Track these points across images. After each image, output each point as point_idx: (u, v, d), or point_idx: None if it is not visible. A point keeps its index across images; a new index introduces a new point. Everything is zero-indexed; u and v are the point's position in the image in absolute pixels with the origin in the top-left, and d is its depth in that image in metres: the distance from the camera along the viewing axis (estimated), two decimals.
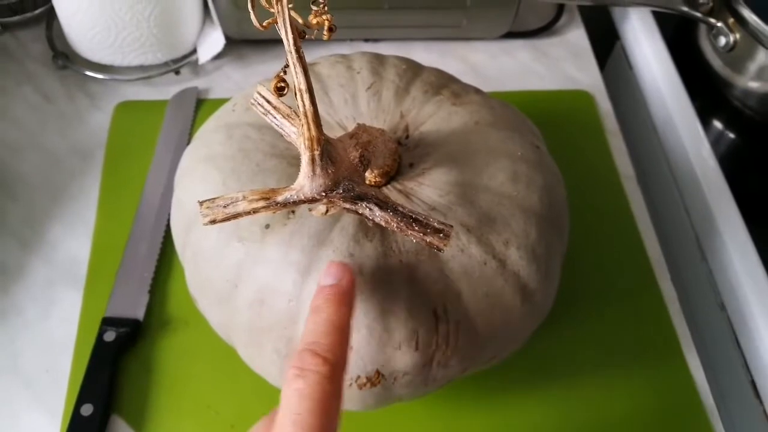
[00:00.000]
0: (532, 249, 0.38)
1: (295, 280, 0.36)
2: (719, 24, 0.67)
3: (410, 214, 0.33)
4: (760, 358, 0.53)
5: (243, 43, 0.69)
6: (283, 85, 0.33)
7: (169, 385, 0.48)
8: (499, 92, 0.67)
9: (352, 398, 0.38)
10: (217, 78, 0.67)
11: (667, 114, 0.68)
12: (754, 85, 0.68)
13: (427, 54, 0.71)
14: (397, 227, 0.32)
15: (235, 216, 0.32)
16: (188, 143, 0.60)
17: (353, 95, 0.43)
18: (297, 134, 0.32)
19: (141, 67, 0.65)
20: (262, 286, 0.37)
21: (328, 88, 0.43)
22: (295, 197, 0.32)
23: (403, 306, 0.36)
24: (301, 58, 0.31)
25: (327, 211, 0.34)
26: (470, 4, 0.66)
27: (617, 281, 0.56)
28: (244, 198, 0.32)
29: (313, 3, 0.32)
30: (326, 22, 0.32)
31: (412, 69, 0.45)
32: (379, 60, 0.45)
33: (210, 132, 0.43)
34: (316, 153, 0.31)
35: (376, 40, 0.71)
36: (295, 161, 0.39)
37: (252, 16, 0.30)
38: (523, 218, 0.39)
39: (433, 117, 0.42)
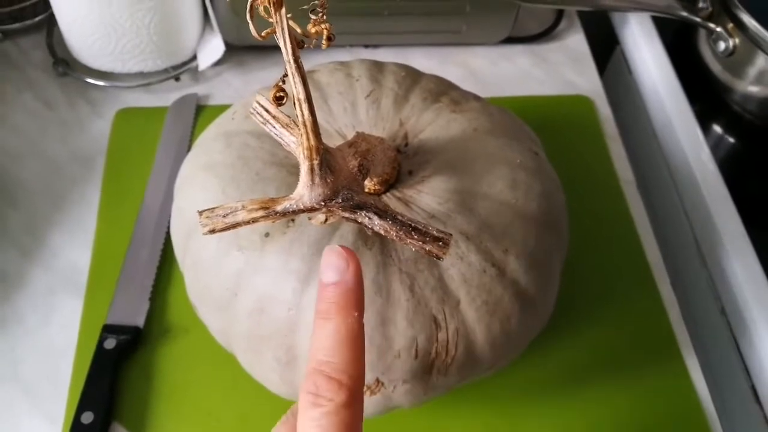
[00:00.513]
0: (531, 256, 0.38)
1: (294, 288, 0.36)
2: (718, 29, 0.67)
3: (409, 222, 0.33)
4: (761, 363, 0.53)
5: (243, 49, 0.69)
6: (281, 94, 0.33)
7: (170, 392, 0.49)
8: (498, 98, 0.67)
9: None
10: (217, 84, 0.67)
11: (667, 118, 0.68)
12: (753, 89, 0.68)
13: (427, 60, 0.71)
14: (396, 236, 0.33)
15: (234, 226, 0.32)
16: (188, 149, 0.60)
17: (352, 103, 0.43)
18: (296, 144, 0.32)
19: (141, 74, 0.65)
20: (261, 295, 0.37)
21: (327, 96, 0.43)
22: (294, 207, 0.32)
23: (403, 314, 0.36)
24: (299, 68, 0.31)
25: (326, 220, 0.34)
26: (470, 10, 0.66)
27: (617, 286, 0.56)
28: (243, 208, 0.32)
29: (311, 12, 0.32)
30: (325, 31, 0.32)
31: (411, 76, 0.45)
32: (378, 67, 0.45)
33: (210, 140, 0.43)
34: (315, 162, 0.31)
35: (375, 46, 0.71)
36: (294, 169, 0.40)
37: (251, 26, 0.30)
38: (522, 226, 0.39)
39: (432, 124, 0.42)
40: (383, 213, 0.33)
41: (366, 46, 0.71)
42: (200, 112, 0.64)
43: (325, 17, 0.32)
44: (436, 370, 0.37)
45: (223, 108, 0.62)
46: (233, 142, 0.41)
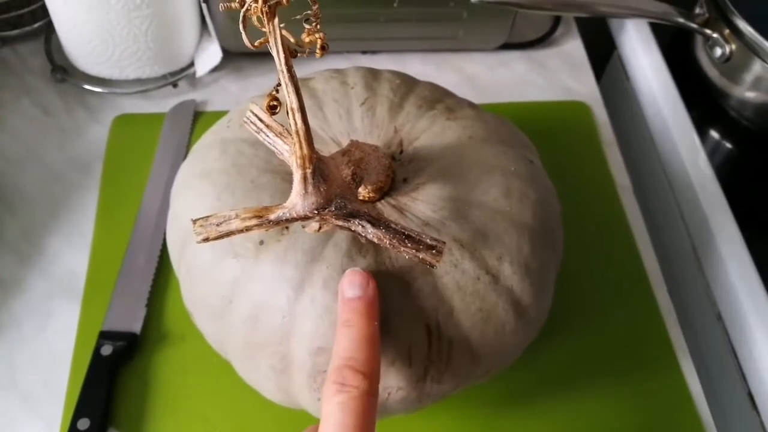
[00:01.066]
0: (525, 264, 0.38)
1: (288, 296, 0.36)
2: (715, 35, 0.68)
3: (403, 230, 0.33)
4: (757, 369, 0.53)
5: (240, 55, 0.69)
6: (275, 103, 0.33)
7: (166, 398, 0.49)
8: (495, 103, 0.67)
9: None
10: (215, 91, 0.67)
11: (664, 124, 0.68)
12: (750, 95, 0.68)
13: (424, 66, 0.71)
14: (389, 244, 0.33)
15: (228, 234, 0.32)
16: (186, 156, 0.60)
17: (347, 110, 0.43)
18: (289, 152, 0.33)
19: (139, 81, 0.65)
20: (256, 303, 0.37)
21: (322, 104, 0.43)
22: (288, 215, 0.32)
23: (397, 322, 0.36)
24: (292, 78, 0.31)
25: (320, 228, 0.34)
26: (466, 16, 0.66)
27: (613, 292, 0.56)
28: (237, 216, 0.32)
29: (305, 22, 0.32)
30: (319, 41, 0.32)
31: (406, 84, 0.45)
32: (373, 75, 0.45)
33: (205, 147, 0.43)
34: (308, 171, 0.31)
35: (372, 52, 0.72)
36: (288, 177, 0.40)
37: (243, 36, 0.30)
38: (516, 233, 0.39)
39: (426, 132, 0.42)
40: (376, 221, 0.33)
41: (363, 53, 0.71)
42: (198, 119, 0.64)
43: (318, 26, 0.32)
44: (430, 377, 0.37)
45: (220, 114, 0.62)
46: (228, 149, 0.41)
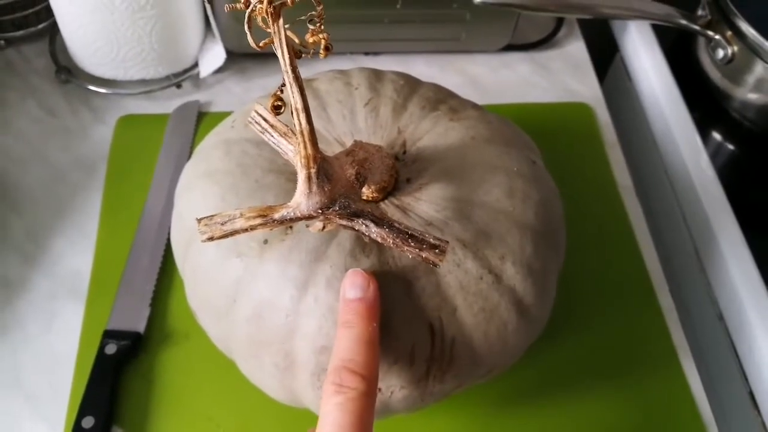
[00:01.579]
0: (527, 264, 0.39)
1: (292, 295, 0.37)
2: (717, 37, 0.68)
3: (406, 230, 0.33)
4: (758, 369, 0.53)
5: (244, 56, 0.69)
6: (279, 103, 0.33)
7: (170, 397, 0.49)
8: (498, 105, 0.67)
9: None
10: (219, 91, 0.68)
11: (666, 126, 0.68)
12: (752, 97, 0.69)
13: (427, 67, 0.71)
14: (393, 243, 0.33)
15: (233, 233, 0.32)
16: (189, 156, 0.60)
17: (351, 111, 0.43)
18: (294, 152, 0.33)
19: (143, 81, 0.66)
20: (260, 302, 0.37)
21: (326, 104, 0.43)
22: (292, 214, 0.32)
23: (400, 321, 0.36)
24: (297, 78, 0.31)
25: (324, 227, 0.34)
26: (470, 18, 0.67)
27: (615, 292, 0.56)
28: (242, 215, 0.32)
29: (309, 22, 0.32)
30: (323, 41, 0.32)
31: (410, 85, 0.46)
32: (376, 76, 0.46)
33: (210, 148, 0.43)
34: (313, 171, 0.31)
35: (376, 54, 0.72)
36: (293, 177, 0.40)
37: (249, 37, 0.31)
38: (519, 233, 0.39)
39: (430, 132, 0.43)
40: (380, 221, 0.33)
41: (366, 54, 0.72)
42: (201, 119, 0.65)
43: (322, 27, 0.32)
44: (432, 376, 0.38)
45: (224, 115, 0.62)
46: (233, 149, 0.42)
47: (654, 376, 0.52)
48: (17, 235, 0.56)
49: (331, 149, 0.41)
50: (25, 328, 0.52)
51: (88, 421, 0.46)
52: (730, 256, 0.58)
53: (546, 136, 0.59)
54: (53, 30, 0.68)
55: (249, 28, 0.31)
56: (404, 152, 0.42)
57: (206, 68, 0.66)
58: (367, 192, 0.39)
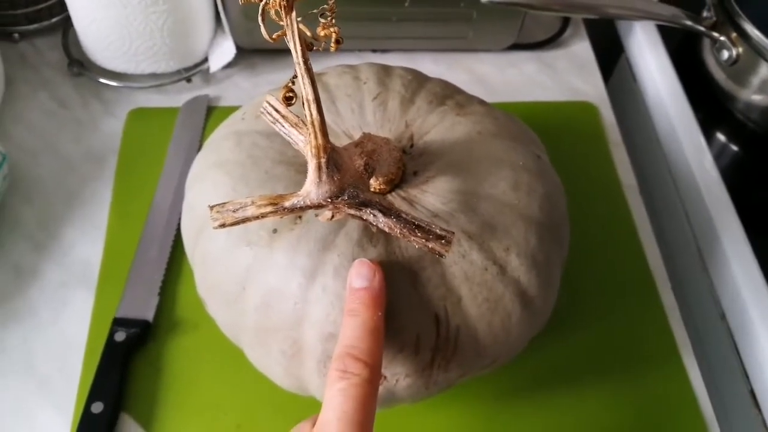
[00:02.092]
0: (532, 256, 0.39)
1: (300, 283, 0.37)
2: (722, 38, 0.68)
3: (413, 220, 0.34)
4: (760, 368, 0.54)
5: (253, 52, 0.70)
6: (291, 95, 0.34)
7: (178, 384, 0.50)
8: (504, 103, 0.68)
9: None
10: (228, 86, 0.68)
11: (671, 126, 0.69)
12: (756, 98, 0.69)
13: (434, 65, 0.72)
14: (400, 233, 0.34)
15: (244, 220, 0.33)
16: (199, 149, 0.61)
17: (360, 105, 0.44)
18: (304, 142, 0.34)
19: (153, 75, 0.67)
20: (269, 289, 0.38)
21: (335, 98, 0.44)
22: (302, 203, 0.33)
23: (405, 310, 0.37)
24: (308, 69, 0.32)
25: (332, 216, 0.35)
26: (476, 17, 0.67)
27: (618, 290, 0.56)
28: (253, 203, 0.33)
29: (321, 16, 0.33)
30: (333, 35, 0.33)
31: (418, 80, 0.46)
32: (385, 71, 0.46)
33: (220, 139, 0.44)
34: (323, 160, 0.32)
35: (383, 51, 0.73)
36: (302, 168, 0.41)
37: (262, 29, 0.31)
38: (524, 226, 0.40)
39: (437, 126, 0.43)
40: (388, 211, 0.34)
41: (374, 51, 0.72)
42: (211, 113, 0.65)
43: (333, 21, 0.33)
44: (437, 365, 0.38)
45: (233, 109, 0.63)
46: (243, 141, 0.42)
47: (656, 374, 0.53)
48: (29, 225, 0.57)
49: (339, 142, 0.42)
50: (36, 315, 0.53)
51: (97, 407, 0.47)
52: (733, 255, 0.58)
53: (551, 134, 0.60)
54: (66, 24, 0.69)
55: (262, 20, 0.31)
56: (411, 146, 0.43)
57: (216, 63, 0.67)
58: (374, 184, 0.40)
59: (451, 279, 0.38)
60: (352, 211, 0.34)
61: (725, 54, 0.69)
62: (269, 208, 0.33)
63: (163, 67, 0.66)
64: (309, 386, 0.40)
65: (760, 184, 0.70)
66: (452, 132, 0.43)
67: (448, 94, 0.46)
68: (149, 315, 0.52)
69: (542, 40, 0.75)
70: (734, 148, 0.72)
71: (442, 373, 0.39)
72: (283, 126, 0.35)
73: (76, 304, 0.53)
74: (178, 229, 0.55)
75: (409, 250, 0.38)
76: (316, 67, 0.34)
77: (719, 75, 0.71)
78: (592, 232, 0.59)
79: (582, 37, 0.77)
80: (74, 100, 0.66)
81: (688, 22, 0.69)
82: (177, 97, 0.67)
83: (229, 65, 0.68)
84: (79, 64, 0.67)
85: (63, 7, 0.67)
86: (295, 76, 0.33)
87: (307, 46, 0.32)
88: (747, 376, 0.55)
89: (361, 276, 0.36)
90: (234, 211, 0.33)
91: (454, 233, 0.34)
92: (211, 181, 0.42)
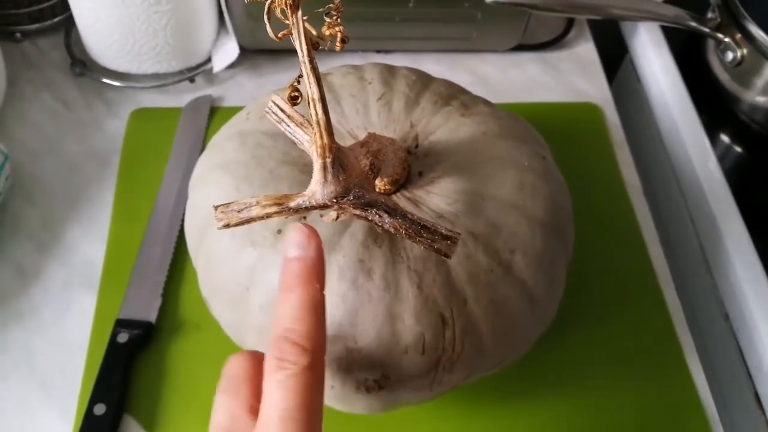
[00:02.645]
0: (537, 257, 0.39)
1: None
2: (727, 39, 0.68)
3: (418, 221, 0.34)
4: (764, 369, 0.54)
5: (257, 52, 0.70)
6: (296, 94, 0.34)
7: (181, 386, 0.49)
8: (508, 104, 0.68)
9: (358, 401, 0.39)
10: (231, 86, 0.68)
11: (675, 127, 0.68)
12: (761, 99, 0.69)
13: (438, 65, 0.72)
14: (405, 234, 0.33)
15: (249, 220, 0.33)
16: (202, 150, 0.61)
17: (364, 105, 0.44)
18: (309, 142, 0.33)
19: (157, 75, 0.66)
20: (273, 290, 0.38)
21: (340, 98, 0.44)
22: (307, 203, 0.33)
23: (411, 311, 0.37)
24: (314, 69, 0.32)
25: (338, 217, 0.35)
26: (480, 17, 0.67)
27: (622, 291, 0.56)
28: (258, 203, 0.33)
29: (326, 15, 0.33)
30: (339, 34, 0.33)
31: (422, 80, 0.46)
32: (389, 71, 0.46)
33: (224, 139, 0.44)
34: (328, 160, 0.32)
35: (387, 52, 0.72)
36: (306, 168, 0.40)
37: (268, 28, 0.31)
38: (529, 227, 0.39)
39: (442, 127, 0.43)
40: (393, 211, 0.33)
41: (378, 51, 0.72)
42: (214, 113, 0.65)
43: (339, 20, 0.33)
44: (442, 366, 0.38)
45: (236, 109, 0.62)
46: (247, 141, 0.42)
47: (659, 375, 0.52)
48: (32, 225, 0.57)
49: (344, 142, 0.41)
50: (39, 316, 0.53)
51: (99, 409, 0.46)
52: (737, 257, 0.58)
53: (555, 135, 0.60)
54: (69, 23, 0.69)
55: (268, 19, 0.31)
56: (416, 146, 0.43)
57: (219, 63, 0.67)
58: (379, 184, 0.39)
59: (456, 280, 0.37)
60: (357, 212, 0.33)
61: (730, 55, 0.68)
62: (274, 209, 0.33)
63: (166, 67, 0.66)
64: None
65: (763, 186, 0.70)
66: (457, 132, 0.43)
67: (453, 95, 0.46)
68: (152, 316, 0.51)
69: (546, 41, 0.75)
70: (738, 149, 0.72)
71: (446, 374, 0.39)
72: (289, 126, 0.34)
73: (78, 305, 0.53)
74: (181, 230, 0.55)
75: (414, 250, 0.37)
76: (320, 67, 0.34)
77: (723, 76, 0.71)
78: (595, 232, 0.59)
79: (586, 38, 0.76)
80: (77, 100, 0.66)
81: (693, 23, 0.69)
82: (180, 98, 0.66)
83: (232, 65, 0.68)
84: (81, 64, 0.67)
85: (66, 7, 0.67)
86: (301, 76, 0.32)
87: (313, 46, 0.32)
88: (751, 378, 0.55)
89: (293, 244, 0.32)
90: (238, 212, 0.33)
91: (459, 234, 0.34)
92: (214, 182, 0.42)
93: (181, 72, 0.67)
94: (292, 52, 0.31)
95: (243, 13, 0.65)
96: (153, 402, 0.49)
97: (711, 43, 0.72)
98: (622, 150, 0.66)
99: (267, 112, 0.35)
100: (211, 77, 0.69)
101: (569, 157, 0.60)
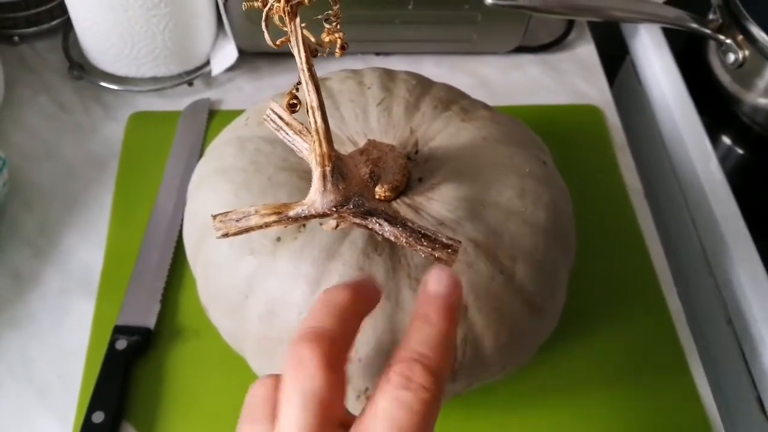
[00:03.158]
0: (538, 264, 0.39)
1: (304, 292, 0.37)
2: (728, 41, 0.68)
3: (419, 229, 0.33)
4: (767, 373, 0.53)
5: (255, 55, 0.70)
6: (295, 102, 0.34)
7: (180, 393, 0.49)
8: (508, 106, 0.68)
9: (358, 410, 0.39)
10: (230, 90, 0.68)
11: (676, 129, 0.68)
12: (762, 101, 0.69)
13: (438, 68, 0.71)
14: (405, 242, 0.33)
15: (248, 230, 0.33)
16: (201, 153, 0.61)
17: (364, 110, 0.43)
18: (308, 150, 0.33)
19: (155, 79, 0.66)
20: (272, 298, 0.37)
21: (339, 104, 0.44)
22: (307, 212, 0.32)
23: (411, 319, 0.36)
24: (313, 76, 0.31)
25: (337, 225, 0.35)
26: (481, 19, 0.67)
27: (624, 295, 0.56)
28: (257, 212, 0.33)
29: (325, 21, 0.32)
30: (338, 40, 0.32)
31: (422, 85, 0.46)
32: (389, 76, 0.46)
33: (222, 145, 0.44)
34: (327, 169, 0.32)
35: (387, 54, 0.72)
36: (305, 175, 0.40)
37: (266, 35, 0.31)
38: (530, 234, 0.39)
39: (442, 132, 0.43)
40: (393, 219, 0.33)
41: (377, 54, 0.72)
42: (213, 117, 0.65)
43: (338, 26, 0.32)
44: None
45: (235, 113, 0.62)
46: (246, 147, 0.42)
47: (662, 379, 0.52)
48: (29, 231, 0.57)
49: (343, 148, 0.41)
50: (36, 322, 0.52)
51: (98, 416, 0.46)
52: (739, 259, 0.58)
53: (555, 137, 0.59)
54: (66, 27, 0.68)
55: (266, 26, 0.31)
56: (416, 152, 0.42)
57: (218, 66, 0.67)
58: (379, 191, 0.39)
59: None
60: (357, 220, 0.33)
61: (731, 57, 0.68)
62: (273, 218, 0.32)
63: (164, 71, 0.65)
64: None
65: (765, 187, 0.69)
66: (457, 138, 0.43)
67: (453, 99, 0.45)
68: (151, 322, 0.51)
69: (546, 43, 0.74)
70: (740, 151, 0.72)
71: (448, 384, 0.38)
72: (287, 134, 0.34)
73: (76, 311, 0.53)
74: (180, 235, 0.55)
75: (415, 258, 0.37)
76: (318, 71, 0.33)
77: (725, 78, 0.71)
78: (597, 235, 0.59)
79: (587, 39, 0.76)
80: (75, 103, 0.66)
81: (694, 25, 0.69)
82: (178, 101, 0.66)
83: (231, 68, 0.67)
84: (79, 67, 0.66)
85: (63, 10, 0.66)
86: (299, 83, 0.32)
87: (312, 52, 0.32)
88: (754, 382, 0.55)
89: (441, 283, 0.31)
90: (237, 221, 0.33)
91: (460, 242, 0.33)
92: (213, 188, 0.41)
93: (179, 75, 0.67)
94: (292, 54, 0.31)
95: (242, 16, 0.64)
96: (152, 409, 0.48)
97: (712, 44, 0.72)
98: (622, 152, 0.66)
99: (265, 120, 0.35)
100: (209, 80, 0.68)
101: (570, 159, 0.60)
